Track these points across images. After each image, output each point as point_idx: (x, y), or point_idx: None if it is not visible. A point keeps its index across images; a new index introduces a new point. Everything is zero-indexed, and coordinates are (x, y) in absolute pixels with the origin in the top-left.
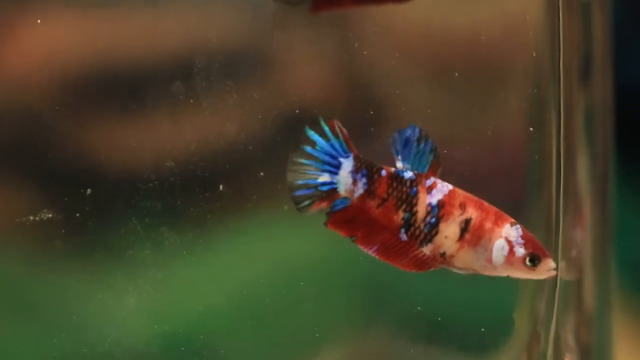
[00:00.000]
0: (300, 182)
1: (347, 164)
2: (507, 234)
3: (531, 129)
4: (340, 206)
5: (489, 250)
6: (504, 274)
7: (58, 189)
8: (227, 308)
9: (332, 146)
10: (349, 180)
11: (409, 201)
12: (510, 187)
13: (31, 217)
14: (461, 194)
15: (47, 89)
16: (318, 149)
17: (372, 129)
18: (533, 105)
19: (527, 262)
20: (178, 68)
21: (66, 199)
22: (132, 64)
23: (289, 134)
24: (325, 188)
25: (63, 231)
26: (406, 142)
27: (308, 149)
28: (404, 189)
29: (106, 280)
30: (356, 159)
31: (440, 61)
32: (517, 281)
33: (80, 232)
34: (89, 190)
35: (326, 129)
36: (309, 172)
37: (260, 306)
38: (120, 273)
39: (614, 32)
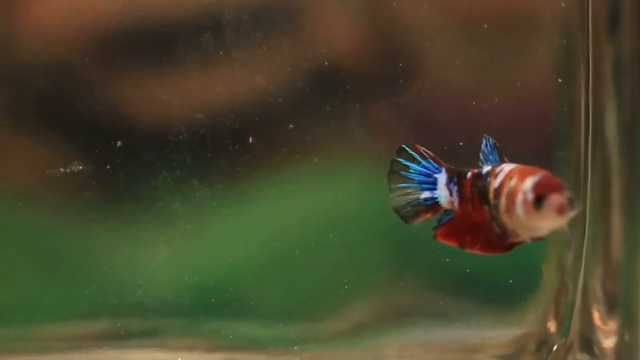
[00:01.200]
0: (404, 203)
1: (442, 178)
2: (525, 187)
3: (560, 79)
4: (447, 218)
5: (518, 209)
6: (540, 229)
7: (88, 141)
8: (256, 260)
9: (424, 167)
10: (446, 192)
11: (485, 194)
12: (539, 138)
13: (61, 169)
14: (517, 168)
15: (76, 41)
16: (412, 171)
17: (401, 80)
18: (562, 56)
19: (536, 206)
20: (207, 20)
21: (96, 151)
22: (161, 15)
23: (318, 86)
24: (429, 202)
25: (93, 183)
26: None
27: (403, 173)
28: (480, 184)
29: (136, 232)
30: (448, 170)
31: (469, 12)
32: None
33: (110, 184)
34: (119, 143)
35: (413, 153)
36: (410, 194)
37: (290, 258)
38: (150, 225)
39: None
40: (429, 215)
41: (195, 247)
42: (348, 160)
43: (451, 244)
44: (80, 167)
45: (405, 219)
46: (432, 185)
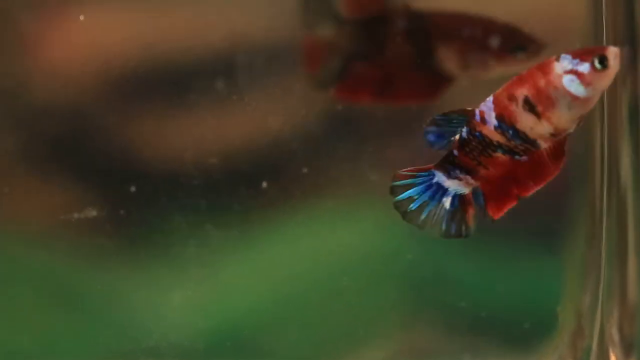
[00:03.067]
0: (444, 227)
1: (440, 177)
2: (563, 69)
3: None
4: (480, 198)
5: (566, 95)
6: (597, 98)
7: (102, 186)
8: (271, 304)
9: (420, 184)
10: (456, 182)
11: (486, 143)
12: (555, 180)
13: (76, 215)
14: (501, 91)
15: (91, 84)
16: (417, 197)
17: (415, 123)
18: None
19: (598, 66)
20: (220, 64)
21: (110, 196)
22: (175, 60)
23: (331, 130)
24: (456, 204)
25: (107, 228)
26: (437, 138)
27: (413, 205)
28: (474, 144)
29: (151, 277)
30: (437, 167)
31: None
32: (561, 275)
33: (124, 229)
34: (133, 188)
35: (403, 182)
36: (437, 215)
37: (304, 302)
38: (165, 270)
39: None
40: (470, 211)
41: (209, 291)
42: (362, 203)
43: (507, 209)
44: (94, 213)
45: (461, 235)
46: (441, 189)
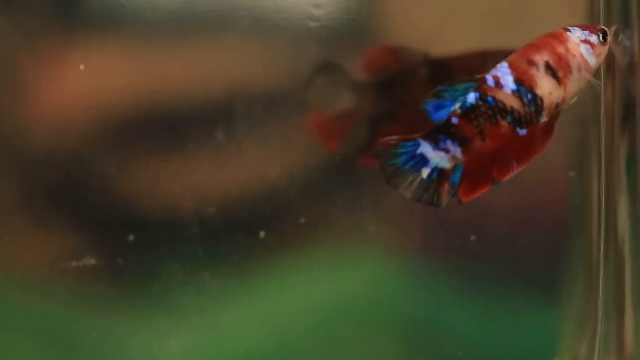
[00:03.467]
0: (417, 192)
1: (425, 148)
2: (579, 38)
3: (572, 173)
4: (458, 176)
5: (582, 63)
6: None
7: (101, 234)
8: (268, 352)
9: (403, 152)
10: (440, 154)
11: (498, 108)
12: (552, 231)
13: (74, 263)
14: (517, 57)
15: (90, 133)
16: (399, 162)
17: None
18: (574, 149)
19: (602, 39)
20: (219, 112)
21: (109, 244)
22: (174, 108)
23: (329, 180)
24: (434, 176)
25: (106, 276)
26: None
27: (398, 170)
28: (484, 109)
29: (149, 325)
30: (426, 137)
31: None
32: (558, 326)
33: (122, 278)
34: (131, 236)
35: (390, 149)
36: (414, 182)
37: (301, 350)
38: (162, 318)
39: None
40: (445, 186)
41: (207, 339)
42: (359, 253)
43: (482, 192)
44: (93, 261)
45: (432, 204)
46: (423, 161)
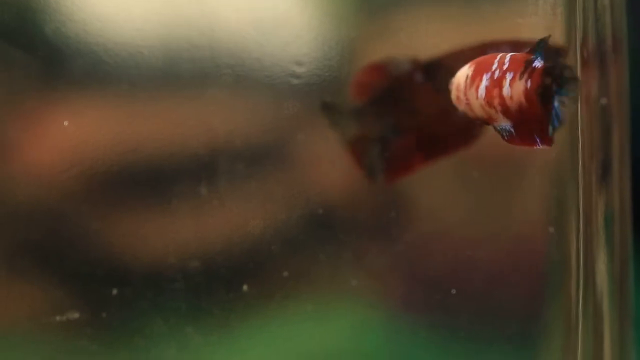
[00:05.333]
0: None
1: None
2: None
3: (551, 229)
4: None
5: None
6: None
7: (85, 288)
8: None
9: None
10: None
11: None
12: (531, 287)
13: (57, 317)
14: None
15: (73, 189)
16: None
17: (395, 229)
18: (553, 205)
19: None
20: (202, 169)
21: (92, 298)
22: (157, 164)
23: (311, 234)
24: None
25: (89, 331)
26: None
27: None
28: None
29: None
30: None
31: (460, 160)
32: None
33: (106, 332)
34: (114, 290)
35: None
36: None
37: None
38: None
39: (633, 132)
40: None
41: None
42: (341, 307)
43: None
44: (77, 315)
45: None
46: None
